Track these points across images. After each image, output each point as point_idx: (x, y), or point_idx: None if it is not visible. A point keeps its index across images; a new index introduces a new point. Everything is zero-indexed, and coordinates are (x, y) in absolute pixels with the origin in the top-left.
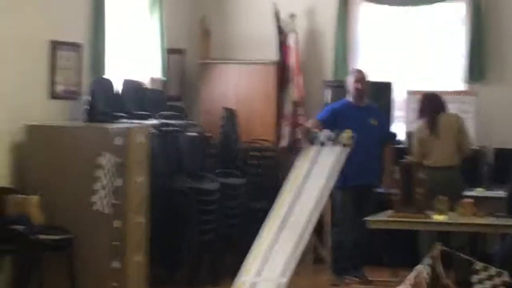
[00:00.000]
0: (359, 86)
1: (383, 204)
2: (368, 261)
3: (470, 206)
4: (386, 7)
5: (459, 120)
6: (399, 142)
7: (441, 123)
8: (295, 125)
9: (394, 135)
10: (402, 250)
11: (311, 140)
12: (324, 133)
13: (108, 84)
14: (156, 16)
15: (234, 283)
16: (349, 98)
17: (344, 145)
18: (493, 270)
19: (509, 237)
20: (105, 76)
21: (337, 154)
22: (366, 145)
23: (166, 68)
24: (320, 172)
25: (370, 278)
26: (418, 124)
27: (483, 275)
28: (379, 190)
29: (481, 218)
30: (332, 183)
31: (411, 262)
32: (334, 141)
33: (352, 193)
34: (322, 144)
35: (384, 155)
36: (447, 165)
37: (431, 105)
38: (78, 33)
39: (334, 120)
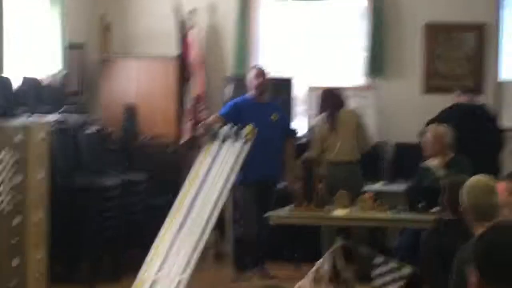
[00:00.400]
0: (259, 82)
1: (284, 199)
2: (270, 256)
3: (370, 200)
4: (287, 2)
5: (357, 115)
6: (300, 137)
7: (340, 119)
8: (196, 120)
9: (295, 131)
10: (304, 245)
11: (212, 136)
12: (225, 129)
13: (6, 82)
14: (56, 10)
15: (135, 280)
16: (250, 94)
17: (245, 141)
18: (393, 264)
19: (408, 231)
20: (2, 75)
21: (238, 150)
22: (267, 141)
23: (66, 63)
24: (221, 168)
25: (272, 273)
26: (318, 119)
27: (384, 268)
28: (281, 185)
29: (382, 213)
30: (233, 179)
31: (313, 256)
32: (235, 136)
33: (254, 188)
34: (223, 140)
35: (286, 151)
36: (347, 160)
37: (331, 100)
38: None
39: (236, 116)
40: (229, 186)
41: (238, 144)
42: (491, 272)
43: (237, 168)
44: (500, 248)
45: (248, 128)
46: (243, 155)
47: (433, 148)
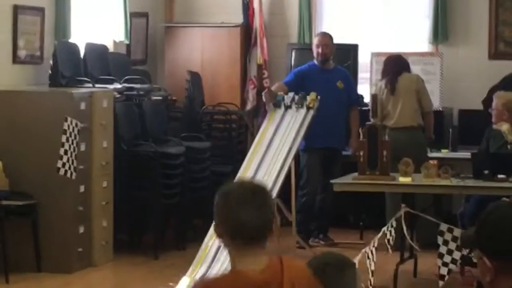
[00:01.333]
0: (322, 50)
1: (350, 166)
2: (334, 223)
3: (434, 167)
4: None
5: (417, 80)
6: (365, 104)
7: (399, 84)
8: (260, 88)
9: (360, 97)
10: (368, 212)
11: (276, 103)
12: (289, 96)
13: (73, 48)
14: None
15: (202, 245)
16: (315, 61)
17: (309, 108)
18: (457, 231)
19: (474, 198)
20: (70, 40)
21: (302, 117)
22: (332, 108)
23: (130, 32)
24: (285, 135)
25: (336, 241)
26: (377, 86)
27: (448, 236)
28: (346, 153)
29: (446, 180)
30: (296, 146)
31: (377, 224)
32: (299, 104)
33: (319, 155)
34: (287, 107)
35: (351, 118)
36: (408, 125)
37: (393, 66)
38: None
39: (300, 84)
40: (293, 153)
41: (301, 112)
42: (500, 250)
43: (301, 135)
44: (507, 224)
45: (311, 96)
46: (306, 122)
47: (502, 115)
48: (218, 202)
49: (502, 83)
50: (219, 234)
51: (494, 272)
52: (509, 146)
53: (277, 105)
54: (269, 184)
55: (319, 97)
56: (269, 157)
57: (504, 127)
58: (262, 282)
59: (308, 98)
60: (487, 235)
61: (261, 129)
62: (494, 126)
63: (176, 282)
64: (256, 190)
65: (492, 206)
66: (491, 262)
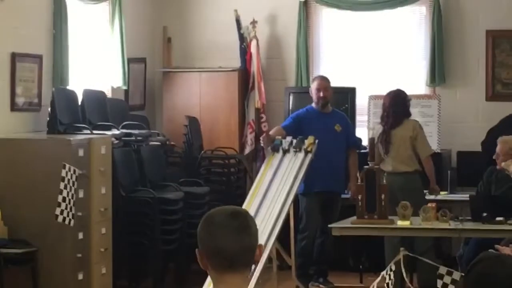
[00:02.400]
0: (322, 94)
1: (348, 209)
2: (334, 267)
3: (433, 210)
4: (347, 12)
5: (415, 128)
6: (364, 147)
7: (396, 133)
8: (258, 132)
9: (358, 141)
10: (368, 255)
11: (274, 147)
12: (287, 141)
13: (71, 94)
14: (117, 25)
15: None
16: (313, 105)
17: (307, 152)
18: (457, 275)
19: (473, 240)
20: (67, 87)
21: (300, 161)
22: (331, 151)
23: (128, 78)
24: (283, 179)
25: (336, 284)
26: (376, 129)
27: (447, 279)
28: (345, 196)
29: (444, 223)
30: (295, 190)
31: (377, 267)
32: (297, 148)
33: (318, 199)
34: (285, 151)
35: (350, 161)
36: (403, 171)
37: (393, 112)
38: (39, 45)
39: (298, 128)
40: (292, 196)
41: (299, 156)
42: None
43: (300, 178)
44: (488, 278)
45: (309, 140)
46: (305, 166)
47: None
48: (200, 228)
49: (500, 125)
50: (204, 265)
51: None
52: None
53: (275, 149)
54: (268, 228)
55: (317, 140)
56: (268, 201)
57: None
58: None
59: (306, 142)
60: (470, 285)
61: (259, 173)
62: (502, 165)
63: None
64: (236, 214)
65: (480, 257)
66: None
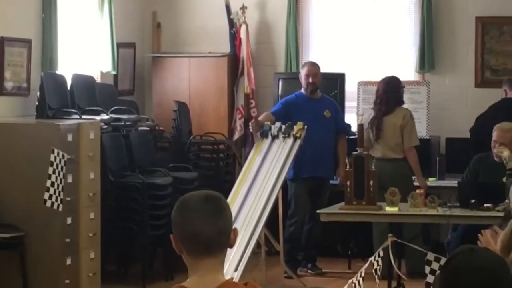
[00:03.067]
0: (311, 80)
1: (337, 195)
2: (322, 252)
3: (421, 196)
4: None
5: (405, 117)
6: (353, 133)
7: (386, 120)
8: (247, 118)
9: (348, 127)
10: (356, 241)
11: (263, 133)
12: (276, 126)
13: (60, 79)
14: (106, 9)
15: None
16: (302, 91)
17: (296, 138)
18: (444, 260)
19: (461, 227)
20: (56, 72)
21: (289, 147)
22: (320, 137)
23: (117, 62)
24: (272, 165)
25: (324, 270)
26: (365, 115)
27: (435, 265)
28: (334, 181)
29: (432, 209)
30: (284, 176)
31: (365, 253)
32: (286, 134)
33: (306, 185)
34: (274, 137)
35: (339, 147)
36: (392, 158)
37: (387, 99)
38: (28, 29)
39: (288, 113)
40: (280, 182)
41: (288, 141)
42: None
43: (288, 164)
44: (462, 272)
45: (298, 125)
46: (293, 152)
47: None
48: (174, 214)
49: (489, 112)
50: (179, 250)
51: None
52: (508, 172)
53: (264, 135)
54: (256, 214)
55: (306, 126)
56: (256, 186)
57: (505, 153)
58: None
59: (295, 127)
60: (446, 280)
61: (248, 159)
62: (495, 151)
63: None
64: (210, 198)
65: (455, 251)
66: None
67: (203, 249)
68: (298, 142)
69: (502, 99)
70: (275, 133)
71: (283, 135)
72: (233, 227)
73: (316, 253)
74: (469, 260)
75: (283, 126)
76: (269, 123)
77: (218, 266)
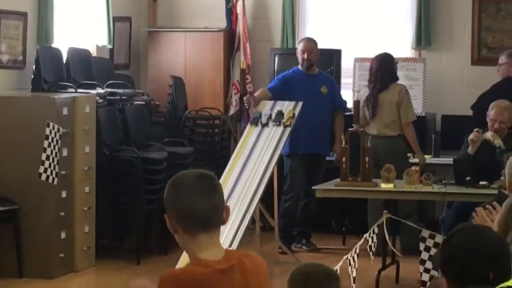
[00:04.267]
0: (307, 56)
1: (333, 172)
2: (317, 229)
3: (416, 173)
4: None
5: (401, 93)
6: (349, 110)
7: (382, 96)
8: (244, 93)
9: (344, 103)
10: (351, 218)
11: (253, 121)
12: (266, 114)
13: (56, 53)
14: None
15: (183, 254)
16: (299, 66)
17: (285, 126)
18: (439, 238)
19: (456, 204)
20: (52, 45)
21: (280, 133)
22: (316, 113)
23: (113, 36)
24: (267, 141)
25: (318, 246)
26: (361, 92)
27: (429, 242)
28: (330, 158)
29: (428, 186)
30: (279, 152)
31: (360, 229)
32: (276, 122)
33: (302, 161)
34: (264, 125)
35: (335, 123)
36: (388, 135)
37: (381, 76)
38: (24, 2)
39: (284, 89)
40: (276, 158)
41: (279, 129)
42: (458, 273)
43: (284, 141)
44: (464, 250)
45: (288, 113)
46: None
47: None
48: (167, 193)
49: (492, 90)
50: (173, 229)
51: None
52: (497, 151)
53: (253, 123)
54: (251, 189)
55: (302, 102)
56: (251, 162)
57: (487, 134)
58: (224, 270)
59: (285, 115)
60: (446, 257)
61: (243, 134)
62: (487, 136)
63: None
64: (203, 176)
65: (456, 228)
66: (448, 283)
67: (199, 225)
68: (288, 130)
69: (505, 78)
70: (265, 122)
71: (274, 123)
72: (225, 204)
73: (311, 229)
74: (470, 237)
75: (273, 114)
76: (258, 111)
77: (213, 241)
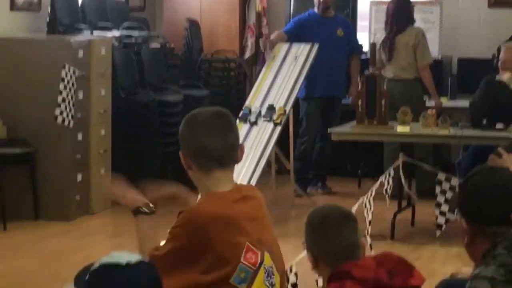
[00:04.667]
0: None
1: (349, 115)
2: (332, 172)
3: (433, 116)
4: None
5: (418, 35)
6: (365, 53)
7: (399, 39)
8: (259, 36)
9: (360, 46)
10: (366, 160)
11: (242, 117)
12: (254, 112)
13: None
14: None
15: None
16: (315, 9)
17: (276, 124)
18: (455, 181)
19: (472, 147)
20: None
21: (269, 132)
22: (333, 56)
23: None
24: (282, 85)
25: (334, 189)
26: (378, 35)
27: (445, 185)
28: (345, 101)
29: (444, 129)
30: (295, 94)
31: (375, 172)
32: (267, 118)
33: (318, 104)
34: (252, 123)
35: (351, 66)
36: (404, 78)
37: (397, 20)
38: None
39: (301, 32)
40: (292, 100)
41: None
42: (476, 215)
43: (300, 84)
44: (482, 191)
45: (279, 110)
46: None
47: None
48: (183, 130)
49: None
50: (188, 166)
51: (470, 236)
52: None
53: (242, 119)
54: (267, 131)
55: (318, 45)
56: (267, 104)
57: (504, 77)
58: (238, 200)
59: (276, 112)
60: (465, 199)
61: (259, 77)
62: (497, 77)
63: None
64: (218, 114)
65: (475, 169)
66: (468, 225)
67: (215, 161)
68: (279, 128)
69: None
70: (254, 120)
71: (264, 119)
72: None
73: (326, 172)
74: (488, 178)
75: (263, 111)
76: (248, 107)
77: (229, 178)
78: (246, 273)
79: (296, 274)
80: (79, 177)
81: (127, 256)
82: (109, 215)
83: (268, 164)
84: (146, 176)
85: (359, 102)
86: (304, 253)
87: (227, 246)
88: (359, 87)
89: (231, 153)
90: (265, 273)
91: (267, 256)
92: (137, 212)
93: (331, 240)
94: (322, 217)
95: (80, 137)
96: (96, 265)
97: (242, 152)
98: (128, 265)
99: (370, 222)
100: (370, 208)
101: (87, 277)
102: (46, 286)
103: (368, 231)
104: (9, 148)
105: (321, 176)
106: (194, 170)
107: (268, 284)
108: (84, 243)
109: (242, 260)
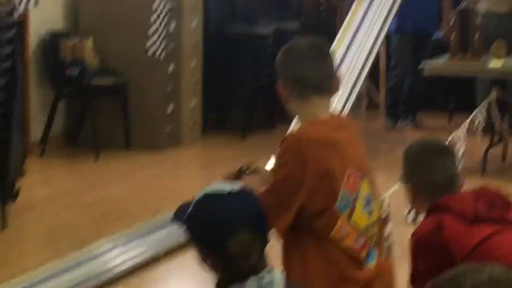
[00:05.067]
0: None
1: (440, 49)
2: (423, 106)
3: None
4: None
5: None
6: None
7: None
8: None
9: None
10: (458, 95)
11: None
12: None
13: None
14: None
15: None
16: None
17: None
18: None
19: None
20: None
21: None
22: None
23: None
24: (375, 17)
25: (424, 124)
26: None
27: None
28: (437, 36)
29: None
30: (387, 27)
31: (467, 107)
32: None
33: (409, 38)
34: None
35: (443, 1)
36: (501, 11)
37: None
38: None
39: None
40: (383, 34)
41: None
42: None
43: (391, 18)
44: None
45: None
46: (396, 7)
47: None
48: (281, 59)
49: None
50: (288, 96)
51: None
52: None
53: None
54: (359, 65)
55: None
56: (359, 37)
57: None
58: (338, 125)
59: None
60: None
61: (351, 11)
62: None
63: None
64: (315, 43)
65: None
66: None
67: (314, 89)
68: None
69: None
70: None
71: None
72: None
73: (417, 107)
74: None
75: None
76: None
77: (328, 105)
78: (348, 199)
79: (389, 205)
80: (170, 108)
81: (229, 185)
82: (199, 146)
83: (359, 97)
84: (236, 109)
85: (452, 36)
86: (395, 187)
87: (331, 170)
88: (452, 21)
89: (329, 82)
90: (364, 199)
91: (366, 182)
92: (242, 172)
93: (432, 171)
94: (422, 149)
95: (171, 68)
96: (200, 195)
97: (338, 81)
98: (230, 193)
99: (462, 155)
100: (462, 143)
101: (191, 207)
102: (138, 215)
103: (460, 165)
104: (101, 78)
105: (412, 111)
106: (293, 100)
107: (366, 211)
108: (175, 174)
109: (344, 185)
